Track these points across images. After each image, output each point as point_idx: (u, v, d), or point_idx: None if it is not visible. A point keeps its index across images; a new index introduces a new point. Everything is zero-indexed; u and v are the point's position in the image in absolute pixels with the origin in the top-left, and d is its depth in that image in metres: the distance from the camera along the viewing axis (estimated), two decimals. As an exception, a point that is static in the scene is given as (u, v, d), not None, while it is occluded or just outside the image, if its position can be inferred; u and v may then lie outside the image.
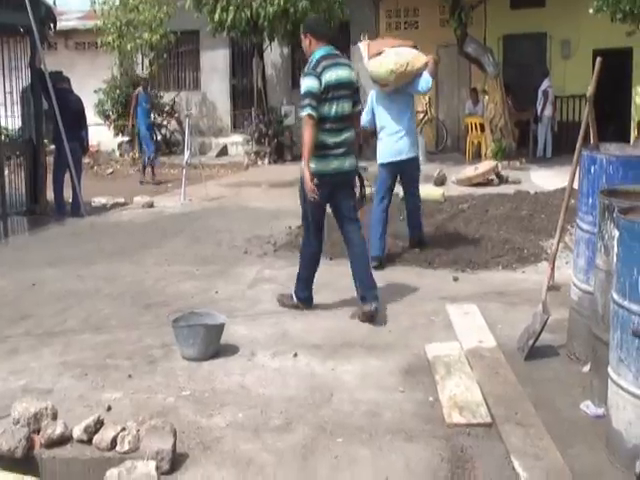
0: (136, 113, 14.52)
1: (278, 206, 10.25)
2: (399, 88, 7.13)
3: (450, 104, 17.99)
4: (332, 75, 5.35)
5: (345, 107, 5.46)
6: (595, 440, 3.53)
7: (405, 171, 7.31)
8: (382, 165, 7.27)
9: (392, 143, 7.18)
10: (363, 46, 7.27)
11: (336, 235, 8.20)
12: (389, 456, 3.49)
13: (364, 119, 7.04)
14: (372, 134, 7.62)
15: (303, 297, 5.75)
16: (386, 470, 3.37)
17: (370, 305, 5.43)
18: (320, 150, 5.37)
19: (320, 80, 5.30)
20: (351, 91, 5.53)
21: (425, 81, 7.06)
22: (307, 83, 5.34)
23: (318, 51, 5.47)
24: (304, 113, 5.32)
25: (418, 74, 7.04)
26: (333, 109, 5.38)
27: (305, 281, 5.74)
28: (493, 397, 4.02)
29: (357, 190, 5.77)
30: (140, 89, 14.63)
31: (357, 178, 5.75)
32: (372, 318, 5.43)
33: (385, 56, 7.02)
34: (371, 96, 7.38)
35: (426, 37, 16.38)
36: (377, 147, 7.34)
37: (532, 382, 4.25)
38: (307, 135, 5.32)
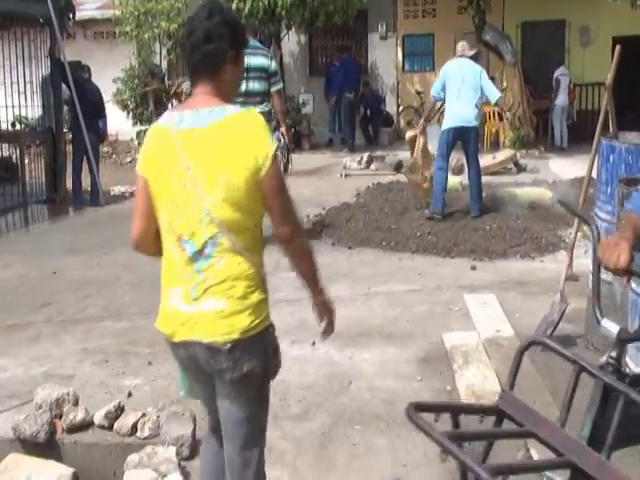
0: None
1: (295, 195, 10.25)
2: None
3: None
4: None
5: (255, 86, 7.00)
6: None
7: (469, 138, 8.42)
8: (448, 130, 8.35)
9: (461, 111, 8.27)
10: None
11: (354, 225, 8.24)
12: (406, 444, 3.51)
13: (435, 91, 8.58)
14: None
15: None
16: (403, 458, 3.40)
17: None
18: None
19: None
20: (263, 74, 7.08)
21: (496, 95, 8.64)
22: None
23: None
24: None
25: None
26: (243, 87, 6.58)
27: None
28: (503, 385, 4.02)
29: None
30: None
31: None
32: None
33: None
34: (443, 72, 8.52)
35: (444, 25, 16.33)
36: (446, 116, 8.52)
37: (550, 372, 4.24)
38: None
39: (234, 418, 2.44)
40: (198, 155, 2.32)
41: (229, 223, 2.31)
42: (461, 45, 8.82)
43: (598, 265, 2.15)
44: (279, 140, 7.21)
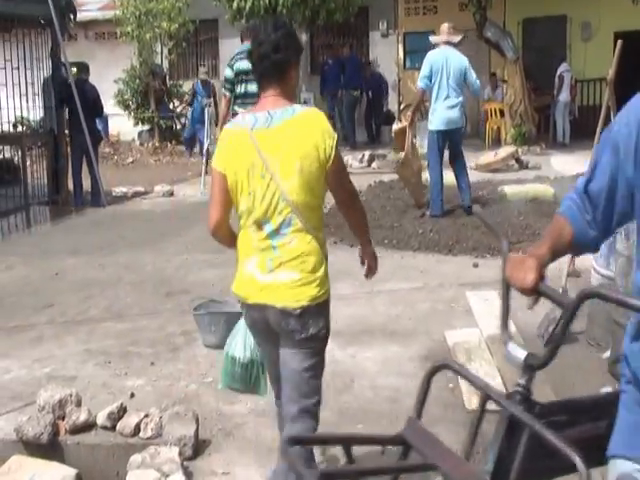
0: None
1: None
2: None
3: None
4: (242, 64, 6.82)
5: (252, 88, 6.82)
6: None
7: (453, 138, 8.34)
8: (437, 132, 8.21)
9: (448, 113, 8.14)
10: None
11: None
12: (409, 442, 3.50)
13: (423, 82, 8.23)
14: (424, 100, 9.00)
15: None
16: (406, 455, 3.39)
17: None
18: (234, 117, 7.85)
19: (232, 68, 7.13)
20: None
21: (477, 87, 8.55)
22: (225, 71, 7.51)
23: (240, 47, 7.22)
24: (222, 91, 7.54)
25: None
26: (242, 89, 7.05)
27: None
28: (513, 383, 4.01)
29: None
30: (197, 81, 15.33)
31: None
32: None
33: None
34: (429, 63, 8.19)
35: (445, 22, 16.26)
36: (433, 115, 8.26)
37: (552, 368, 4.18)
38: (222, 107, 7.72)
39: (293, 366, 2.78)
40: (274, 150, 2.69)
41: (301, 205, 2.71)
42: (447, 28, 8.40)
43: (507, 284, 1.95)
44: None
